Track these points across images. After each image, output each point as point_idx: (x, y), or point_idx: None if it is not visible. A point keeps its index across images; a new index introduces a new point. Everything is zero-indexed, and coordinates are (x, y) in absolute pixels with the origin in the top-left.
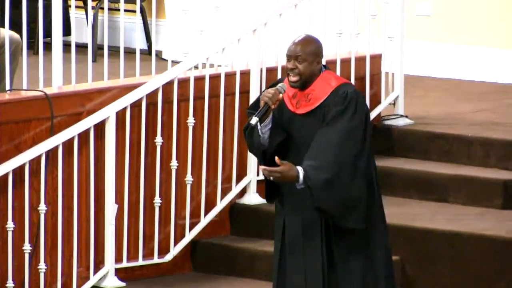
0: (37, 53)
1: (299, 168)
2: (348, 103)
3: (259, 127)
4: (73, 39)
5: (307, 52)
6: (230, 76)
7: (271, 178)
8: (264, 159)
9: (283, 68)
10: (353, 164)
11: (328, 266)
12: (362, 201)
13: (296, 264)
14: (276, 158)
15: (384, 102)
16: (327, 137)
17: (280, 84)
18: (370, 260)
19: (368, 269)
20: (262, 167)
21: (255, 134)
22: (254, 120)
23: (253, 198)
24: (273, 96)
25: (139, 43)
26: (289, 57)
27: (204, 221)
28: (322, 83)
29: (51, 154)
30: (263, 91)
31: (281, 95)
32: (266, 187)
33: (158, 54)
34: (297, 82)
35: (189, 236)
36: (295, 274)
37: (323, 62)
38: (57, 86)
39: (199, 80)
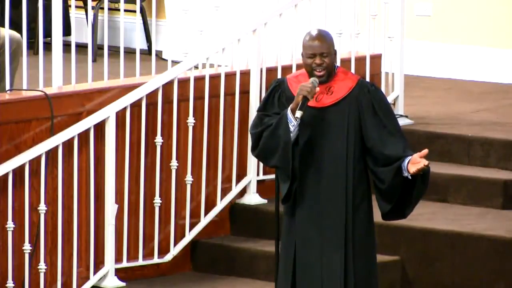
0: (37, 53)
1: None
2: (381, 94)
3: (294, 123)
4: (73, 39)
5: (329, 46)
6: (230, 76)
7: (424, 169)
8: (293, 160)
9: (283, 68)
10: None
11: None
12: None
13: (312, 279)
14: (426, 150)
15: None
16: (392, 127)
17: (312, 79)
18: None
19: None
20: (426, 162)
21: (282, 131)
22: (298, 113)
23: (253, 198)
24: (311, 90)
25: (139, 43)
26: (313, 55)
27: (204, 221)
28: (341, 76)
29: (51, 154)
30: (299, 88)
31: (317, 88)
32: (288, 189)
33: (158, 54)
34: (324, 75)
35: (189, 236)
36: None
37: None
38: (57, 86)
39: (199, 80)
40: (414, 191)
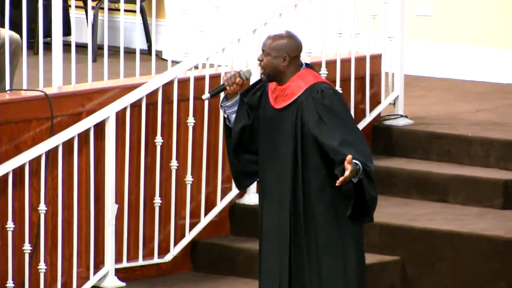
0: (37, 53)
1: (357, 161)
2: (329, 98)
3: (223, 105)
4: (73, 39)
5: (271, 47)
6: None
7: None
8: (229, 145)
9: None
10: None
11: (295, 267)
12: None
13: (270, 268)
14: (348, 157)
15: (384, 102)
16: (337, 134)
17: (245, 70)
18: (342, 265)
19: (339, 275)
20: (348, 172)
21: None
22: (205, 95)
23: (253, 198)
24: (230, 78)
25: (139, 43)
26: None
27: (204, 221)
28: (298, 79)
29: (51, 154)
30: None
31: (238, 79)
32: (239, 176)
33: (158, 54)
34: (263, 73)
35: (189, 236)
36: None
37: (308, 60)
38: (57, 86)
39: (199, 80)
40: (365, 193)
